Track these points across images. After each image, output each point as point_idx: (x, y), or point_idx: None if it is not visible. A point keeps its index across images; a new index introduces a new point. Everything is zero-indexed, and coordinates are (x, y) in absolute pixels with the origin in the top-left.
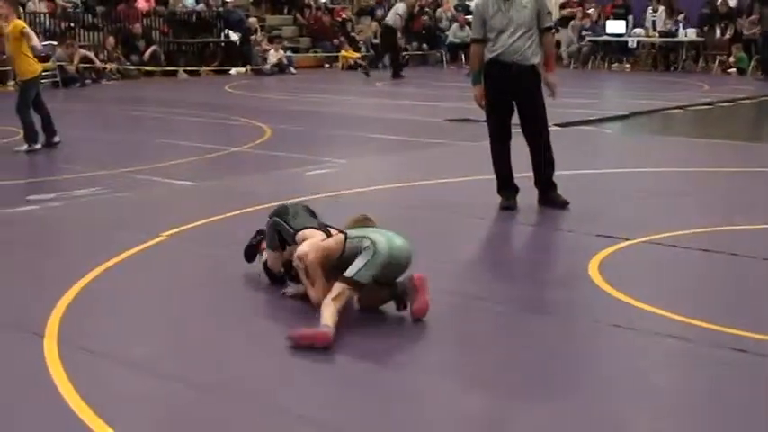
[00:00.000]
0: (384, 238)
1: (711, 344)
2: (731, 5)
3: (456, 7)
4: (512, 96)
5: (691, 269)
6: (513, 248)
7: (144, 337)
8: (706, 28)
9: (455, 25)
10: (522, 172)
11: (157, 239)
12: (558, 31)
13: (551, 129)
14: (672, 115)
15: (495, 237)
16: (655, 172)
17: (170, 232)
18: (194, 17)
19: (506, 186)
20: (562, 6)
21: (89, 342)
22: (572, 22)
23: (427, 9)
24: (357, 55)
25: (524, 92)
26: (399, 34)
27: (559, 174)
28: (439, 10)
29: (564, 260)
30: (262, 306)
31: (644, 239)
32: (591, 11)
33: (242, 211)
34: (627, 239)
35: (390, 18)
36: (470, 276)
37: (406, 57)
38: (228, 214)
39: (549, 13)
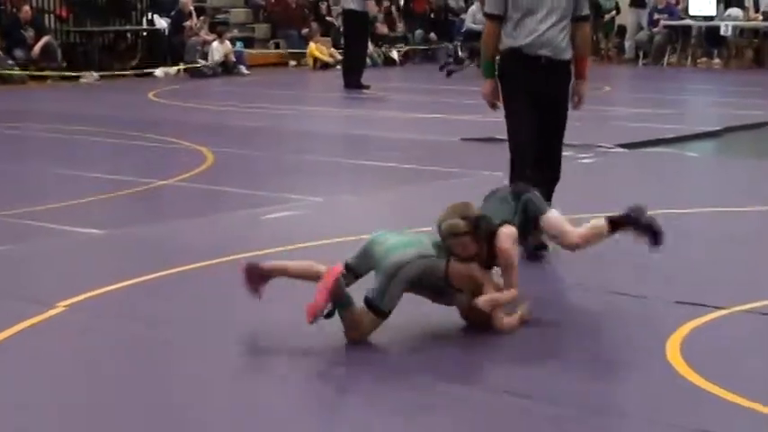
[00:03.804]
0: (384, 232)
1: None
2: None
3: None
4: (536, 97)
5: None
6: (561, 324)
7: None
8: None
9: (475, 5)
10: None
11: (51, 312)
12: (618, 12)
13: (613, 150)
14: None
15: (537, 306)
16: (761, 212)
17: (69, 302)
18: None
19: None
20: None
21: None
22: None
23: None
24: (329, 54)
25: (551, 94)
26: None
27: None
28: None
29: (631, 338)
30: (208, 416)
31: (744, 307)
32: None
33: (171, 271)
34: (720, 308)
35: None
36: (509, 365)
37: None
38: (152, 276)
39: None
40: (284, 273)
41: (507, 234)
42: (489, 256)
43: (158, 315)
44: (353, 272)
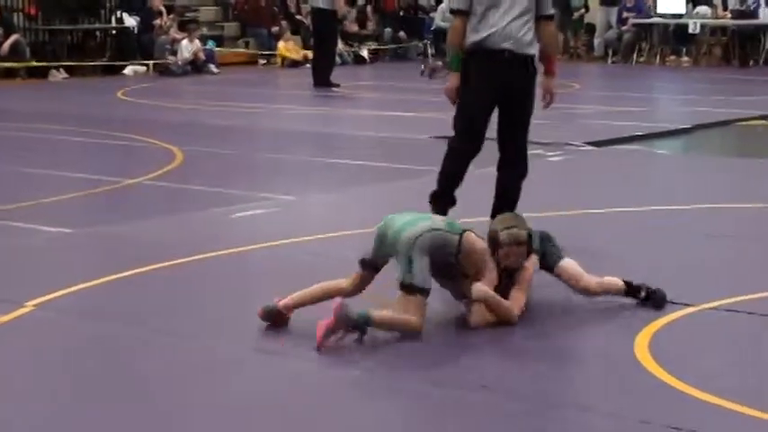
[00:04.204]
0: (393, 215)
1: None
2: None
3: None
4: (498, 93)
5: None
6: (530, 320)
7: None
8: None
9: (444, 3)
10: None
11: (20, 311)
12: (587, 10)
13: (582, 148)
14: (752, 129)
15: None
16: (729, 209)
17: (37, 301)
18: None
19: (444, 195)
20: None
21: None
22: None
23: None
24: (302, 55)
25: (515, 89)
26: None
27: (594, 212)
28: None
29: (599, 335)
30: (176, 417)
31: (712, 305)
32: None
33: (141, 270)
34: (688, 305)
35: None
36: (476, 358)
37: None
38: (121, 275)
39: None
40: (302, 303)
41: (535, 260)
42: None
43: (128, 314)
44: (371, 266)
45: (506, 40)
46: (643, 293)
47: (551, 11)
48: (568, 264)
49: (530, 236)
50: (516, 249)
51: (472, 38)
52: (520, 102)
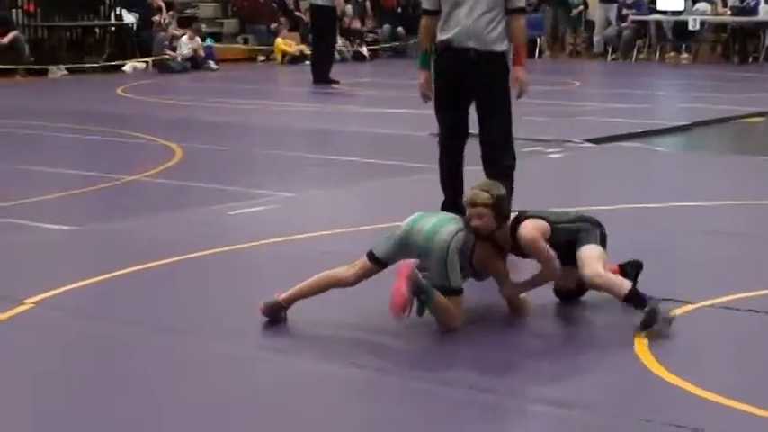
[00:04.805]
0: (415, 219)
1: None
2: None
3: None
4: (468, 92)
5: None
6: (532, 318)
7: None
8: None
9: None
10: None
11: (18, 309)
12: (587, 7)
13: (582, 145)
14: (752, 126)
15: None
16: (730, 206)
17: (37, 298)
18: None
19: (450, 204)
20: None
21: None
22: None
23: None
24: (295, 47)
25: (484, 86)
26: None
27: (592, 208)
28: None
29: (599, 333)
30: (176, 414)
31: (712, 302)
32: None
33: (140, 267)
34: (688, 302)
35: None
36: (474, 360)
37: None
38: (121, 272)
39: None
40: (302, 295)
41: (532, 225)
42: (516, 245)
43: (127, 311)
44: (381, 263)
45: (471, 38)
46: (644, 307)
47: (520, 4)
48: (587, 249)
49: (501, 198)
50: (472, 210)
51: (439, 37)
52: (490, 98)
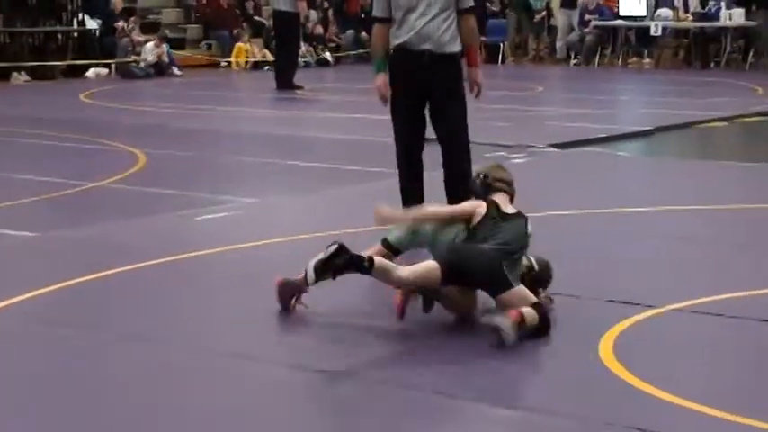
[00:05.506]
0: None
1: None
2: None
3: None
4: (424, 94)
5: (744, 348)
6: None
7: None
8: (754, 7)
9: None
10: None
11: None
12: (550, 13)
13: (545, 150)
14: (713, 130)
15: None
16: (691, 211)
17: (1, 304)
18: None
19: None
20: None
21: None
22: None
23: None
24: (261, 54)
25: (439, 88)
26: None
27: (556, 213)
28: None
29: (563, 337)
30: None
31: (676, 306)
32: None
33: (105, 273)
34: (651, 306)
35: None
36: (438, 364)
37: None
38: (85, 279)
39: None
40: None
41: (475, 205)
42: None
43: (92, 319)
44: (394, 249)
45: (425, 41)
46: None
47: (470, 4)
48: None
49: (481, 175)
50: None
51: (394, 42)
52: (446, 100)
